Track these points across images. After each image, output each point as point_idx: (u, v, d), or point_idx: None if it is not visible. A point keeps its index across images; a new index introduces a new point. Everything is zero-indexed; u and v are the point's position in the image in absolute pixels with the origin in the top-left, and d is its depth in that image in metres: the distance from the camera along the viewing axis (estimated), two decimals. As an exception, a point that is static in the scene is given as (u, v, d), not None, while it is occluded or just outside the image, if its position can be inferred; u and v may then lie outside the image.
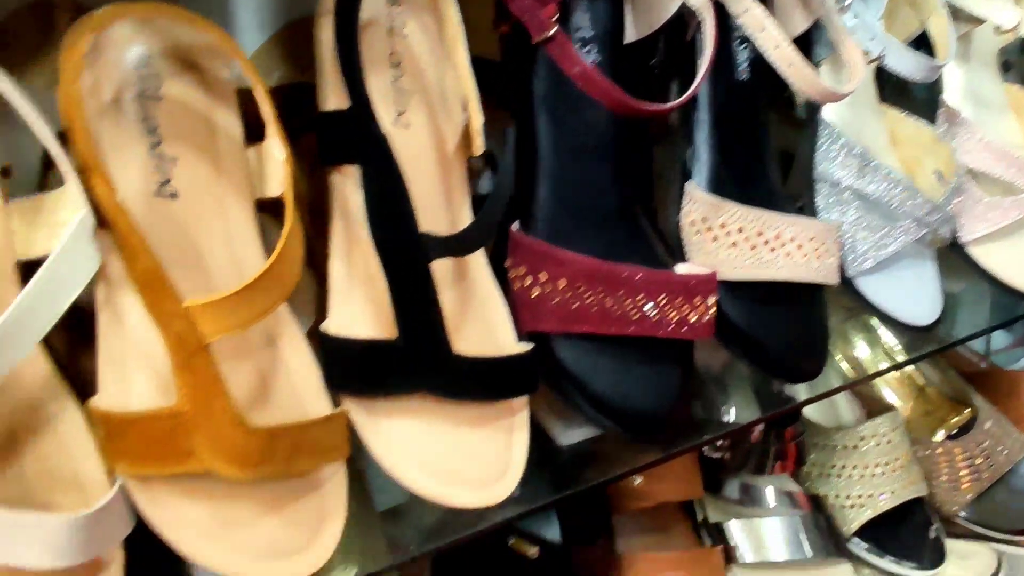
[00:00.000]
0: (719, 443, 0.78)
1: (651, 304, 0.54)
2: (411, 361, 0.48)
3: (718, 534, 0.81)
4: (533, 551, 0.69)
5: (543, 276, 0.54)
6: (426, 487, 0.50)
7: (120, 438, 0.43)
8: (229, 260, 0.47)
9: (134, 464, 0.43)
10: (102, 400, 0.43)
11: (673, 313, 0.54)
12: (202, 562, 0.45)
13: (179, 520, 0.45)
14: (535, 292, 0.54)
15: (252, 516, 0.47)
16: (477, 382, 0.50)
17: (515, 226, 0.55)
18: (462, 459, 0.52)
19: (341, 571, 0.52)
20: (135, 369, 0.44)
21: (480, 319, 0.53)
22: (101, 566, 0.44)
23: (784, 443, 0.79)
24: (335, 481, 0.49)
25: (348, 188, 0.50)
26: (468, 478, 0.52)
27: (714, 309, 0.56)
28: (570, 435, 0.61)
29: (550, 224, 0.56)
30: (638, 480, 0.74)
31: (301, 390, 0.49)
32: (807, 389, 0.71)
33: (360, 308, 0.49)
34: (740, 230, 0.59)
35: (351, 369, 0.48)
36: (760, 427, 0.79)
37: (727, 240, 0.59)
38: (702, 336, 0.56)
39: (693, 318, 0.55)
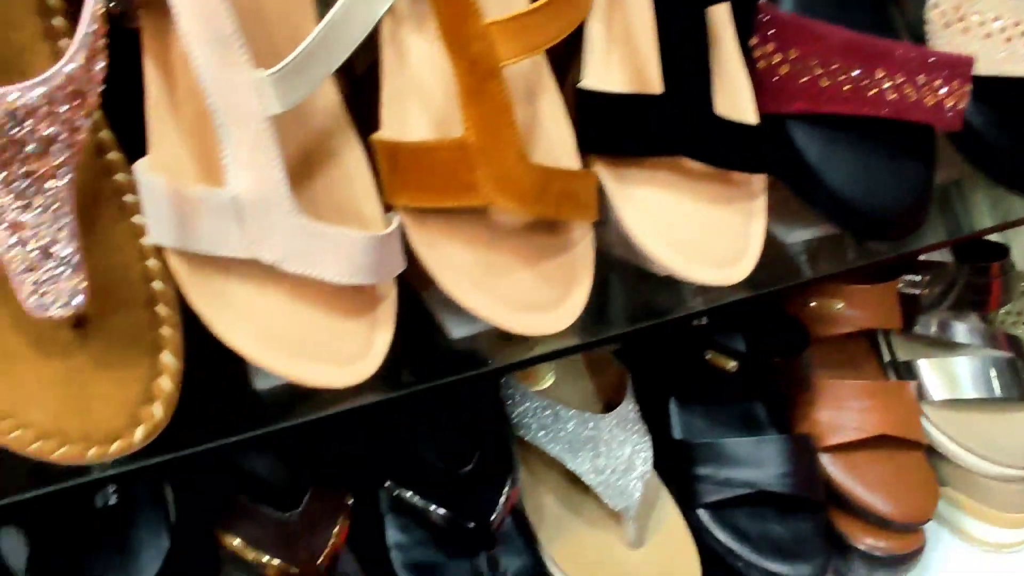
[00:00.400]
0: (918, 278, 0.76)
1: (908, 83, 0.52)
2: (673, 116, 0.47)
3: (907, 373, 0.79)
4: (732, 364, 0.69)
5: (793, 53, 0.52)
6: (669, 258, 0.51)
7: (404, 170, 0.44)
8: (499, 4, 0.48)
9: (415, 197, 0.45)
10: (385, 135, 0.45)
11: (929, 96, 0.52)
12: (465, 303, 0.47)
13: (448, 261, 0.47)
14: (783, 70, 0.53)
15: (512, 267, 0.48)
16: (734, 148, 0.49)
17: (764, 1, 0.54)
18: (705, 236, 0.52)
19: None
20: (415, 107, 0.45)
21: (728, 92, 0.52)
22: (378, 299, 0.46)
23: (988, 279, 0.76)
24: (584, 244, 0.50)
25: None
26: (708, 256, 0.52)
27: (968, 97, 0.54)
28: (796, 234, 0.60)
29: (797, 4, 0.55)
30: (839, 305, 0.73)
31: (556, 149, 0.49)
32: (991, 217, 0.68)
33: (618, 67, 0.49)
34: (996, 19, 0.56)
35: (610, 126, 0.49)
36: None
37: (980, 31, 0.56)
38: (952, 126, 0.54)
39: (949, 103, 0.53)
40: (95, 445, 0.40)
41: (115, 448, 0.41)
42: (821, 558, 0.67)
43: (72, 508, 0.59)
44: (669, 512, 0.68)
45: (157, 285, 0.43)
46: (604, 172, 0.50)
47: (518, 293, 0.48)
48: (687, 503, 0.69)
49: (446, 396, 0.67)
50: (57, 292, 0.37)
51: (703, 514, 0.69)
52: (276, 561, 0.55)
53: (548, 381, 0.71)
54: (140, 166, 0.41)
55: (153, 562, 0.58)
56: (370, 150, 0.46)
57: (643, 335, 0.57)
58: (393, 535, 0.62)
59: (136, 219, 0.42)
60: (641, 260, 0.57)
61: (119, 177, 0.42)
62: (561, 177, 0.45)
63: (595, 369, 0.73)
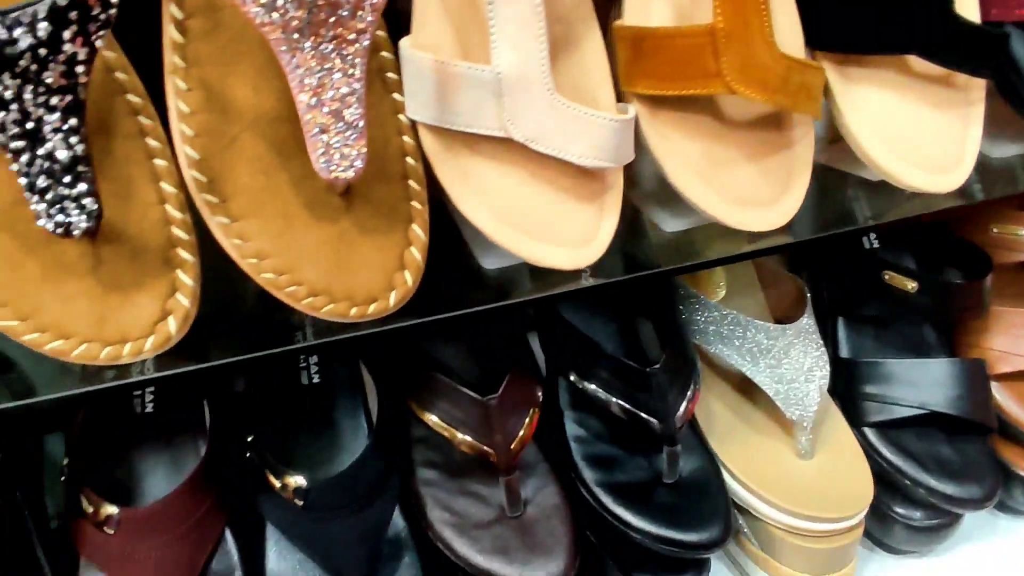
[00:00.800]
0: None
1: None
2: (915, 13, 0.47)
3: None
4: (911, 285, 0.69)
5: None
6: (887, 161, 0.51)
7: (646, 57, 0.45)
8: None
9: (654, 84, 0.46)
10: (628, 21, 0.46)
11: None
12: (688, 195, 0.48)
13: (677, 153, 0.48)
14: (1016, -27, 0.52)
15: (736, 160, 0.49)
16: (969, 50, 0.49)
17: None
18: (923, 140, 0.51)
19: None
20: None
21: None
22: (607, 187, 0.48)
23: None
24: (806, 142, 0.51)
25: None
26: (925, 161, 0.51)
27: None
28: (1002, 148, 0.59)
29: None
30: (1022, 231, 0.72)
31: (786, 42, 0.49)
32: None
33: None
34: None
35: (845, 21, 0.48)
36: None
37: None
38: None
39: None
40: (356, 305, 0.43)
41: (373, 309, 0.44)
42: (991, 480, 0.67)
43: (280, 385, 0.63)
44: (839, 427, 0.68)
45: (410, 161, 0.45)
46: (829, 69, 0.50)
47: (739, 188, 0.49)
48: (852, 421, 0.70)
49: (631, 293, 0.69)
50: (343, 155, 0.39)
51: (869, 432, 0.70)
52: (470, 439, 0.58)
53: (720, 292, 0.72)
54: (405, 43, 0.43)
55: (353, 437, 0.63)
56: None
57: (820, 247, 0.57)
58: (573, 428, 0.64)
59: (396, 96, 0.45)
60: (851, 164, 0.57)
61: (384, 55, 0.44)
62: (800, 69, 0.46)
63: (768, 283, 0.73)
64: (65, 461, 0.55)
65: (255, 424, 0.59)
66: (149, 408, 0.60)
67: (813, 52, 0.50)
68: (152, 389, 0.61)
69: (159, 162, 0.41)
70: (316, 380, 0.64)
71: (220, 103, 0.41)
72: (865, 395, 0.71)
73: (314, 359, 0.64)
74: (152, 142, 0.41)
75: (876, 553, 0.72)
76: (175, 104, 0.40)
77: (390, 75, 0.44)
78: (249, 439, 0.57)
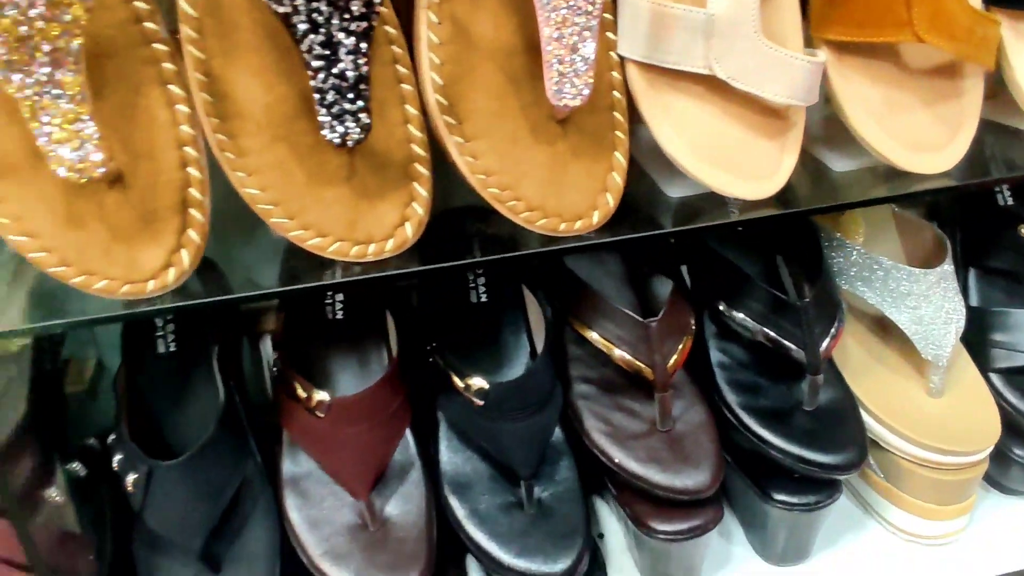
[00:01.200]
0: None
1: None
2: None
3: None
4: (1046, 238, 0.72)
5: None
6: (1052, 113, 0.54)
7: (840, 4, 0.49)
8: None
9: (845, 31, 0.50)
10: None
11: None
12: (865, 137, 0.52)
13: (857, 96, 0.52)
14: None
15: (912, 106, 0.53)
16: None
17: None
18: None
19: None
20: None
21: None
22: (790, 126, 0.52)
23: None
24: (976, 91, 0.54)
25: None
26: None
27: None
28: None
29: None
30: None
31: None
32: None
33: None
34: None
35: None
36: None
37: None
38: None
39: None
40: (565, 221, 0.49)
41: (579, 226, 0.49)
42: (1115, 428, 0.70)
43: (453, 302, 0.70)
44: (968, 369, 0.72)
45: (616, 95, 0.50)
46: (1005, 21, 0.53)
47: (913, 132, 0.53)
48: (979, 367, 0.73)
49: (774, 231, 0.73)
50: (573, 84, 0.44)
51: (994, 377, 0.73)
52: (628, 356, 0.63)
53: (860, 237, 0.75)
54: (623, -14, 0.48)
55: (515, 351, 0.69)
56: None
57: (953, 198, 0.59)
58: (717, 356, 0.69)
59: (609, 35, 0.49)
60: (1009, 116, 0.60)
61: (601, -3, 0.49)
62: (983, 22, 0.49)
63: (904, 230, 0.77)
64: (274, 356, 0.63)
65: (433, 335, 0.65)
66: (339, 315, 0.67)
67: (988, 7, 0.53)
68: (342, 298, 0.68)
69: (405, 87, 0.47)
70: (484, 299, 0.70)
71: (464, 36, 0.46)
72: (993, 342, 0.74)
73: (482, 280, 0.70)
74: (401, 69, 0.47)
75: (990, 492, 0.75)
76: (426, 35, 0.46)
77: (605, 15, 0.49)
78: (431, 346, 0.64)
